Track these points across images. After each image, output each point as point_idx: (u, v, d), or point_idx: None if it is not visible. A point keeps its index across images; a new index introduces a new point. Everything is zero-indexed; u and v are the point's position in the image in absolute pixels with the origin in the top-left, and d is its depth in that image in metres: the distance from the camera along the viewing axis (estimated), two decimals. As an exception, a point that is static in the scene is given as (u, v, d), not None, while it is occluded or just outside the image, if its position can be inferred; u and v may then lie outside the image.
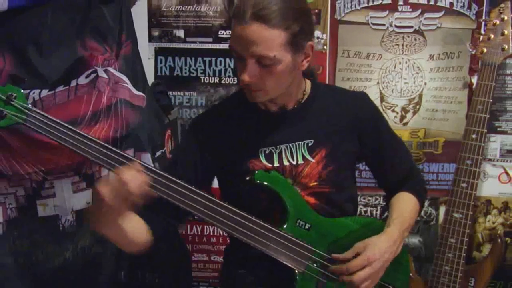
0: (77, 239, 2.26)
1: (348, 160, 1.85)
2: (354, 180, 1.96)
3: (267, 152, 1.77)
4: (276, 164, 1.77)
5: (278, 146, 1.77)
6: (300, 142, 1.77)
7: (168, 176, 1.58)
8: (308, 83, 1.83)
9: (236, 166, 1.77)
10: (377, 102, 2.65)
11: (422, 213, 2.71)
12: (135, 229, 1.59)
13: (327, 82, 2.65)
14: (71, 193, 2.24)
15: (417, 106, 2.68)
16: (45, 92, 2.12)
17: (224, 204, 1.63)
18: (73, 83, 2.19)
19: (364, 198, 2.75)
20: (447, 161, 2.69)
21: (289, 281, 1.73)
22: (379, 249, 1.67)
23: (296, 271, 1.71)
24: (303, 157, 1.77)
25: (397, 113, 2.69)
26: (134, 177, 1.44)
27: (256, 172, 1.72)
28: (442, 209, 2.67)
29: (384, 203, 2.69)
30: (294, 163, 1.77)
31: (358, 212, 2.01)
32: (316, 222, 1.76)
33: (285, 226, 1.72)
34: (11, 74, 2.01)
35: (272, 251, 1.68)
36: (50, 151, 2.06)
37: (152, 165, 2.33)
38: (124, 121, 2.29)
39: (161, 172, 1.57)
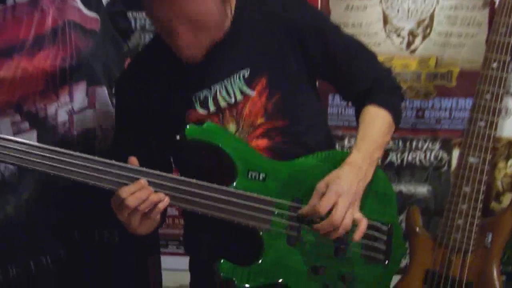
0: (20, 191, 2.12)
1: (297, 81, 1.71)
2: (317, 105, 1.84)
3: (201, 97, 1.66)
4: (212, 108, 1.67)
5: (212, 86, 1.67)
6: (235, 75, 1.65)
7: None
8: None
9: (174, 122, 1.65)
10: (379, 25, 2.58)
11: (432, 157, 2.66)
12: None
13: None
14: (12, 135, 2.09)
15: (428, 30, 2.55)
16: (-25, 12, 2.04)
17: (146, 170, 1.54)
18: (10, 1, 2.05)
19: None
20: (463, 95, 2.57)
21: (257, 242, 1.64)
22: (344, 180, 1.58)
23: (260, 231, 1.62)
24: (241, 92, 1.66)
25: (403, 38, 2.57)
26: (139, 198, 1.47)
27: (187, 127, 1.59)
28: (456, 153, 2.62)
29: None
30: (232, 102, 1.66)
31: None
32: (271, 169, 1.64)
33: (235, 183, 1.62)
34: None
35: (227, 213, 1.59)
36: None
37: (109, 100, 2.27)
38: (74, 48, 2.16)
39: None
